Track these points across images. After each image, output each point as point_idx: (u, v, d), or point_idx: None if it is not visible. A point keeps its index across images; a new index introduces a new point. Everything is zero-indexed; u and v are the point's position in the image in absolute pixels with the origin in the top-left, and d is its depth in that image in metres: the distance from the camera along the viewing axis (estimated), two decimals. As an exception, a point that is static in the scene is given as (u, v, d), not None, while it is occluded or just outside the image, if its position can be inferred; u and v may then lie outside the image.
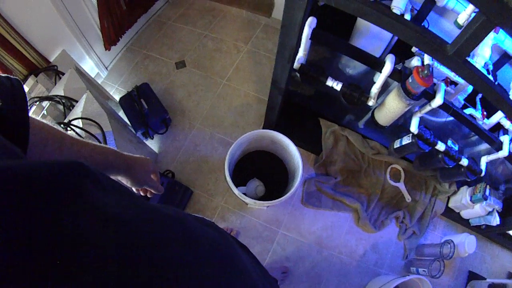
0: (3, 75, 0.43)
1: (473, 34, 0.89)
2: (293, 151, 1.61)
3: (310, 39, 1.38)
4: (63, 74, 1.70)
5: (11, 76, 0.44)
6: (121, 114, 1.96)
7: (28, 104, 1.44)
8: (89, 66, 2.13)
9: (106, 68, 2.28)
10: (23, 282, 0.21)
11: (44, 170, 0.28)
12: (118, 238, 0.29)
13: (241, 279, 0.45)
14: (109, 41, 2.13)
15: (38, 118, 0.54)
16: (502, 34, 1.51)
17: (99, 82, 2.10)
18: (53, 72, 1.72)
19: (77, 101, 1.52)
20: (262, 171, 1.83)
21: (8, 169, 0.25)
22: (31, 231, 0.23)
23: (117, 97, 2.04)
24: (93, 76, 2.06)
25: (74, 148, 0.59)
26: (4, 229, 0.22)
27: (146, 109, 1.91)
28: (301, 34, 1.27)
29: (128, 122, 1.92)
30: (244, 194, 1.56)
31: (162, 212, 0.40)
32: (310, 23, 1.31)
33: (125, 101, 1.96)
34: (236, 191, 1.50)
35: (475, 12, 1.23)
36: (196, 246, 0.41)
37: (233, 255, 0.49)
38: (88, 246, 0.26)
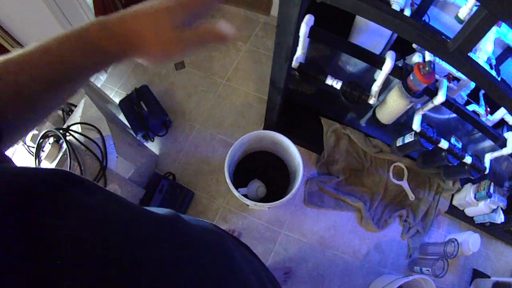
0: None
1: (475, 29, 0.86)
2: (293, 152, 1.60)
3: (308, 37, 1.36)
4: (61, 78, 1.69)
5: None
6: (121, 117, 1.95)
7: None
8: (88, 69, 2.12)
9: (106, 71, 2.27)
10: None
11: (28, 176, 0.28)
12: (103, 239, 0.28)
13: (232, 278, 0.45)
14: (108, 43, 2.11)
15: None
16: (504, 27, 1.48)
17: (99, 86, 2.09)
18: (51, 77, 1.71)
19: (76, 106, 1.52)
20: (263, 172, 1.82)
21: None
22: (13, 237, 0.22)
23: (117, 100, 2.03)
24: (92, 80, 2.04)
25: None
26: None
27: (146, 111, 1.91)
28: (298, 33, 1.25)
29: (128, 125, 1.92)
30: (245, 195, 1.55)
31: (149, 213, 0.39)
32: (308, 21, 1.29)
33: (124, 104, 1.96)
34: (236, 193, 1.49)
35: (476, 6, 1.20)
36: (185, 246, 0.40)
37: (226, 256, 0.48)
38: (71, 248, 0.25)
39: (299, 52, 1.42)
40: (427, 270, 1.67)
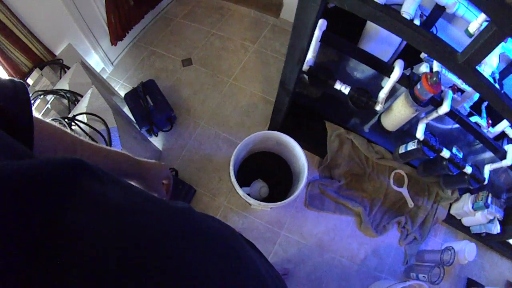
0: (7, 78, 0.42)
1: (484, 44, 0.89)
2: (298, 153, 1.61)
3: (319, 41, 1.38)
4: (68, 68, 1.69)
5: (15, 79, 0.42)
6: (126, 110, 1.96)
7: (32, 99, 1.42)
8: (95, 61, 2.13)
9: (112, 63, 2.27)
10: (17, 279, 0.21)
11: (43, 168, 0.27)
12: (118, 231, 0.29)
13: (248, 272, 0.45)
14: (116, 37, 2.13)
15: (50, 121, 0.53)
16: (510, 42, 1.51)
17: (104, 77, 2.10)
18: (59, 66, 1.71)
19: (82, 96, 1.51)
20: (266, 172, 1.83)
21: (5, 168, 0.25)
22: (30, 227, 0.23)
23: (122, 93, 2.04)
24: (98, 71, 2.05)
25: (85, 155, 0.58)
26: (3, 227, 0.22)
27: (151, 106, 1.91)
28: (312, 36, 1.27)
29: (133, 119, 1.92)
30: (248, 194, 1.56)
31: (165, 205, 0.40)
32: (321, 25, 1.31)
33: (130, 97, 1.96)
34: (240, 191, 1.50)
35: (486, 21, 1.23)
36: (201, 238, 0.41)
37: (239, 249, 0.48)
38: (87, 239, 0.26)
39: (310, 55, 1.44)
40: (424, 276, 1.69)
